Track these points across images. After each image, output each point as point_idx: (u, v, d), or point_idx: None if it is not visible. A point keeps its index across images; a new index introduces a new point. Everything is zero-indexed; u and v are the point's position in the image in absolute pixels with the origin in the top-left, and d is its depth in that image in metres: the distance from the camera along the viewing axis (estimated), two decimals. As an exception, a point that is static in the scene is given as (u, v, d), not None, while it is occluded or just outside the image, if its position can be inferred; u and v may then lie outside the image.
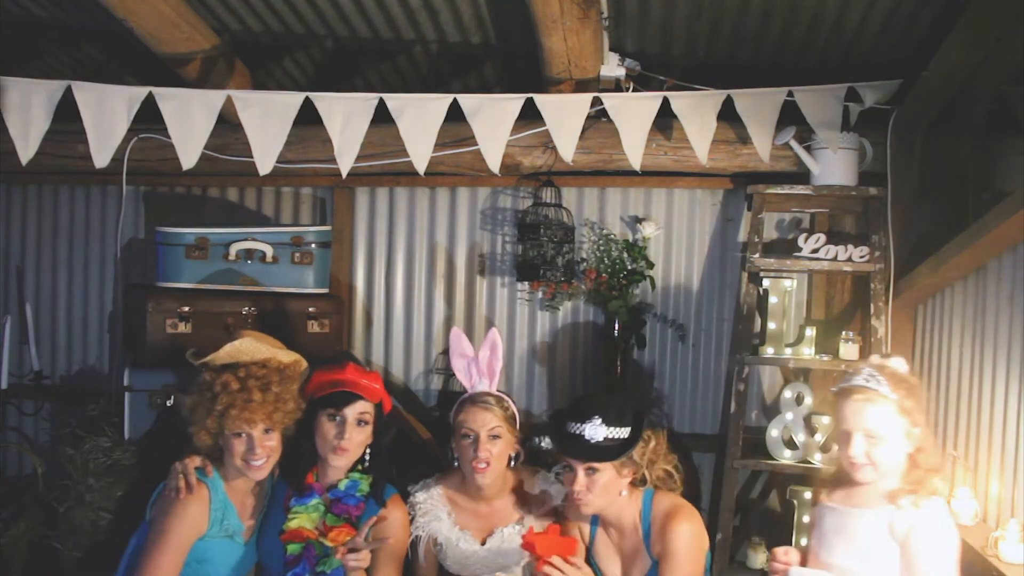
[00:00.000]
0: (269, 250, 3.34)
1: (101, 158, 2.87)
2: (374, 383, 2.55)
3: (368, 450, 2.53)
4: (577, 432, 2.42)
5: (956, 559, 2.10)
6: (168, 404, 3.00)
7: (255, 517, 2.49)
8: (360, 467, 2.54)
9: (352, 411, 2.47)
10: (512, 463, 2.64)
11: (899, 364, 2.24)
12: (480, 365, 2.73)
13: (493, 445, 2.56)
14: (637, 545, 2.49)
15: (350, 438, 2.45)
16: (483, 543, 2.61)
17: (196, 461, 2.40)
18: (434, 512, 2.62)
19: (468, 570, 2.60)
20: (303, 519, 2.46)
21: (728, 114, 3.01)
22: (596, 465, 2.41)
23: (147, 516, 2.40)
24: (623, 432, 2.44)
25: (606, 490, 2.43)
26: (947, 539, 2.09)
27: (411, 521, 2.61)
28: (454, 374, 3.76)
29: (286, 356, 2.52)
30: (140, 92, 2.86)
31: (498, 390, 2.72)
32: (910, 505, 2.11)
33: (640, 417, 2.51)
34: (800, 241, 3.24)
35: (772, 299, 3.28)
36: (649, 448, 2.50)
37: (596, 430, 2.41)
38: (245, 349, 2.45)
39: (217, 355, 2.45)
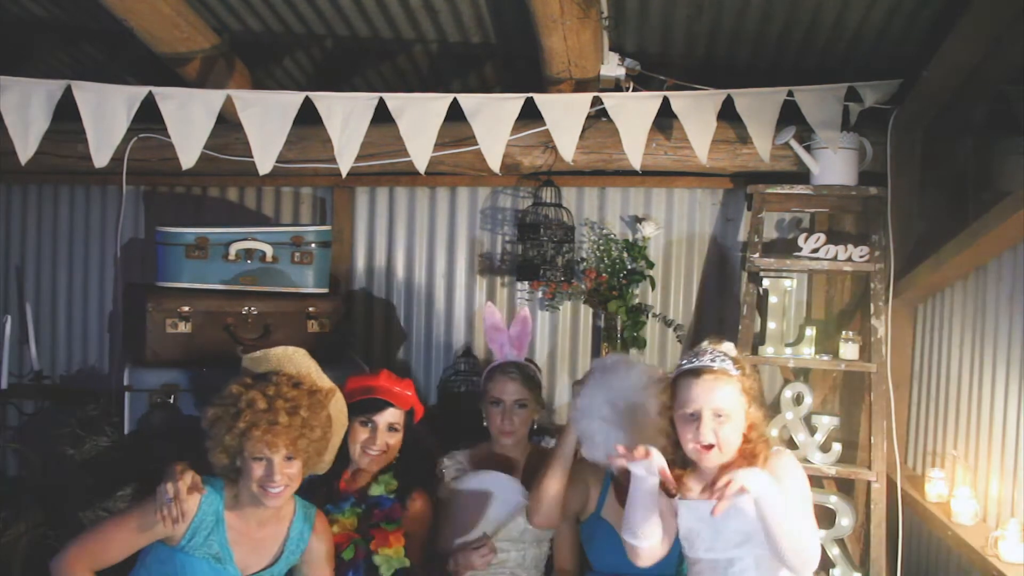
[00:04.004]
0: (269, 250, 3.34)
1: (101, 158, 2.87)
2: (406, 390, 2.65)
3: (398, 455, 2.63)
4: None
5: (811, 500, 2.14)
6: (169, 401, 3.00)
7: (263, 554, 2.34)
8: (390, 471, 2.61)
9: (383, 418, 2.56)
10: (534, 426, 2.85)
11: (729, 348, 2.24)
12: (512, 337, 2.88)
13: (517, 415, 2.73)
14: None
15: (381, 443, 2.56)
16: None
17: (187, 480, 2.22)
18: (458, 470, 2.76)
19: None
20: (343, 524, 2.52)
21: (728, 114, 3.01)
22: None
23: None
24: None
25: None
26: (801, 476, 2.14)
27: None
28: (455, 373, 3.79)
29: (323, 382, 2.44)
30: (140, 92, 2.86)
31: (526, 359, 2.90)
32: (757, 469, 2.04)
33: None
34: (800, 241, 3.24)
35: (772, 299, 3.27)
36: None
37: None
38: (294, 359, 2.41)
39: (268, 352, 2.40)
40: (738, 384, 2.15)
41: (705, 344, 2.26)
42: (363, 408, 2.56)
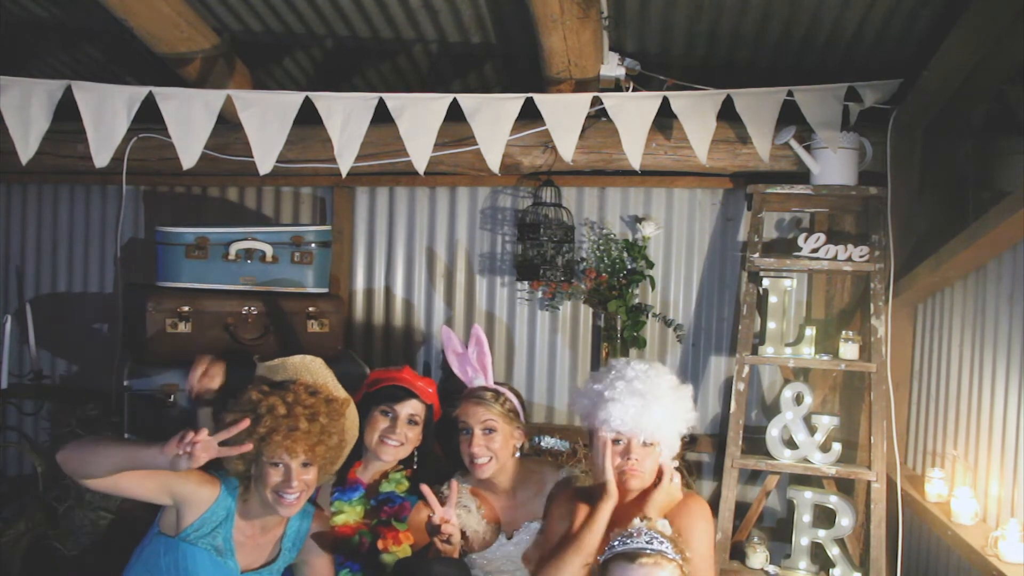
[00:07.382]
0: (269, 250, 3.35)
1: (101, 158, 2.87)
2: (428, 387, 2.64)
3: (416, 452, 2.60)
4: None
5: None
6: (169, 401, 3.00)
7: (262, 553, 2.34)
8: (405, 468, 2.59)
9: (404, 408, 2.55)
10: (517, 453, 2.65)
11: (665, 526, 2.11)
12: (471, 361, 2.73)
13: (489, 440, 2.56)
14: None
15: (400, 434, 2.53)
16: (510, 537, 2.62)
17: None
18: (462, 504, 2.62)
19: (493, 564, 2.60)
20: (350, 514, 2.51)
21: (728, 114, 3.01)
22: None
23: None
24: None
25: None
26: None
27: None
28: (452, 374, 3.77)
29: (339, 392, 2.43)
30: (140, 92, 2.87)
31: (499, 383, 2.72)
32: None
33: None
34: (800, 241, 3.24)
35: (772, 299, 3.27)
36: None
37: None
38: (312, 368, 2.40)
39: (285, 361, 2.38)
40: (678, 569, 1.99)
41: (638, 522, 2.10)
42: (385, 396, 2.55)
